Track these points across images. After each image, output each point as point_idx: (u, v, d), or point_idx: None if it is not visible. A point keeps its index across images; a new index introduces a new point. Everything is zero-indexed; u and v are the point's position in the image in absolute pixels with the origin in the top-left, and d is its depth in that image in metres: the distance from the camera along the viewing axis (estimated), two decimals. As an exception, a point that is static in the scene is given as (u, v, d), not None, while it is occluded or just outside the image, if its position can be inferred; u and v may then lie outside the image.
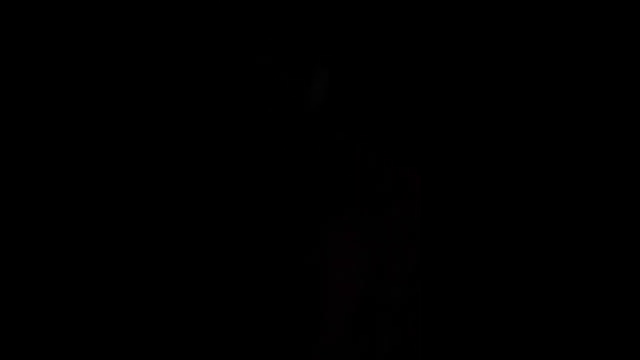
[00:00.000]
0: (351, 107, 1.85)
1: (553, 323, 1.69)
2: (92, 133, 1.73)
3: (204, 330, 1.77)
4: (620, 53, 1.67)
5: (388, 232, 1.89)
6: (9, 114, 1.67)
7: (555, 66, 1.73)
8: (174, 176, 1.76)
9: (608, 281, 1.67)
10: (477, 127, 1.79)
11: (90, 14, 1.73)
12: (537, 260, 1.72)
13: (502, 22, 1.76)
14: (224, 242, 1.82)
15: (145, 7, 1.75)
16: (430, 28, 1.82)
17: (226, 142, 1.81)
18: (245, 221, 1.80)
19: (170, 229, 1.76)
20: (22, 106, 1.69)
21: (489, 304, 1.74)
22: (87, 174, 1.71)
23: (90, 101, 1.73)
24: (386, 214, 1.86)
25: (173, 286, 1.75)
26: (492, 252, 1.75)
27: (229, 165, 1.81)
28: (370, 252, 1.94)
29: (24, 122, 1.68)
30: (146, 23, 1.75)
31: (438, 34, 1.81)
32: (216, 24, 1.81)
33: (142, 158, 1.74)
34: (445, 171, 1.82)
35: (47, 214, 1.68)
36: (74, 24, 1.71)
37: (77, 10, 1.71)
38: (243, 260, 1.83)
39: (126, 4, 1.74)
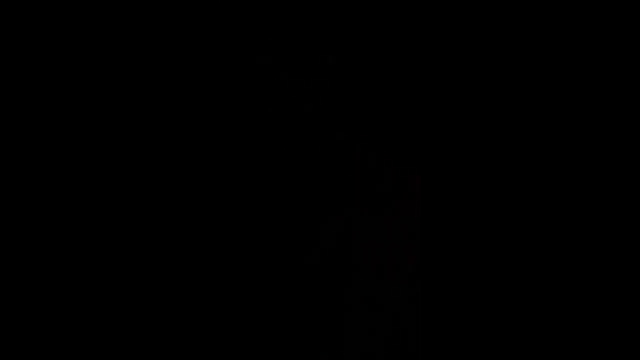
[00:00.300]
0: (351, 107, 1.85)
1: (552, 322, 1.69)
2: (93, 133, 1.73)
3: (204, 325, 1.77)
4: (620, 53, 1.67)
5: (388, 232, 1.89)
6: (9, 114, 1.67)
7: (552, 69, 1.73)
8: (174, 176, 1.76)
9: (607, 281, 1.67)
10: (477, 128, 1.79)
11: (92, 14, 1.73)
12: (536, 259, 1.72)
13: (501, 24, 1.76)
14: (221, 240, 1.82)
15: (145, 8, 1.75)
16: (429, 30, 1.82)
17: (226, 141, 1.81)
18: (243, 220, 1.80)
19: (171, 228, 1.76)
20: (23, 106, 1.69)
21: (489, 303, 1.74)
22: (87, 174, 1.71)
23: (91, 102, 1.74)
24: (386, 214, 1.86)
25: (172, 286, 1.75)
26: (492, 251, 1.75)
27: (228, 165, 1.81)
28: (370, 251, 1.94)
29: (24, 122, 1.68)
30: (147, 23, 1.75)
31: (437, 37, 1.81)
32: (216, 25, 1.81)
33: (142, 157, 1.74)
34: (445, 171, 1.82)
35: (49, 214, 1.68)
36: (74, 24, 1.72)
37: (77, 10, 1.71)
38: (240, 258, 1.83)
39: (127, 5, 1.74)
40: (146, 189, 1.74)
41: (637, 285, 1.65)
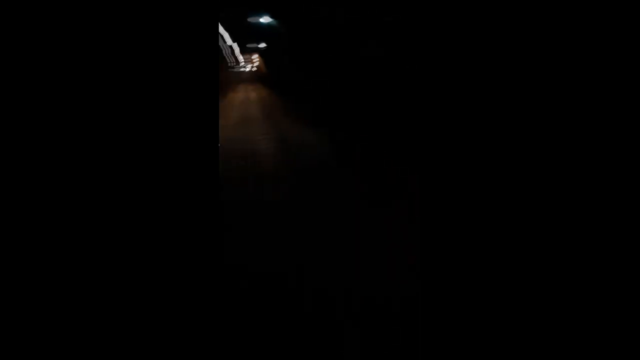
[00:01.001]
0: (351, 106, 1.86)
1: (551, 321, 1.69)
2: (91, 132, 1.73)
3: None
4: (620, 53, 1.68)
5: (388, 231, 1.89)
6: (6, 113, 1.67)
7: (551, 68, 1.74)
8: (175, 175, 1.77)
9: (606, 280, 1.66)
10: (476, 128, 1.80)
11: (90, 14, 1.74)
12: (536, 257, 1.72)
13: (501, 25, 1.77)
14: (221, 238, 1.82)
15: (145, 7, 1.76)
16: (428, 31, 1.83)
17: (226, 141, 1.81)
18: (243, 219, 1.81)
19: (171, 226, 1.75)
20: (22, 105, 1.69)
21: (489, 302, 1.74)
22: (88, 173, 1.71)
23: (89, 101, 1.74)
24: (386, 214, 1.87)
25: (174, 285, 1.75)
26: (492, 250, 1.75)
27: (228, 164, 1.81)
28: (370, 251, 1.95)
29: (23, 121, 1.69)
30: (146, 23, 1.76)
31: (437, 37, 1.82)
32: (216, 24, 1.82)
33: (144, 157, 1.74)
34: (444, 171, 1.82)
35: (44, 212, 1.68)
36: (73, 23, 1.73)
37: (76, 10, 1.72)
38: (240, 257, 1.83)
39: (127, 4, 1.75)
40: (148, 188, 1.74)
41: (637, 285, 1.65)
